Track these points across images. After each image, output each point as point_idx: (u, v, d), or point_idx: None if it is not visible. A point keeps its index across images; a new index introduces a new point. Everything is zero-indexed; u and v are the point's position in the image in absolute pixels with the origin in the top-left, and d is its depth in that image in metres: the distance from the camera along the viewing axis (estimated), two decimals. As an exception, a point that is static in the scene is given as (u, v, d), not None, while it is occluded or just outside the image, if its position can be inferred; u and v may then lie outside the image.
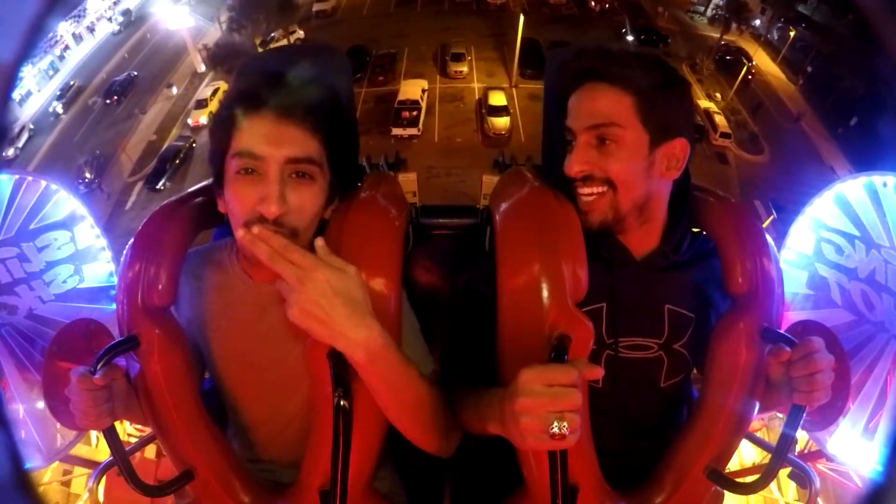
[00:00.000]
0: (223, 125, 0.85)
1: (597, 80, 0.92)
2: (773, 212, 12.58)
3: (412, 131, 15.02)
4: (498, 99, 15.69)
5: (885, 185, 1.76)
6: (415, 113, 15.29)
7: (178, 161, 14.73)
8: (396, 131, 14.88)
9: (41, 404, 1.75)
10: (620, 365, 0.98)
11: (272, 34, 18.49)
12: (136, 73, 17.96)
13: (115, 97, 17.21)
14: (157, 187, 14.15)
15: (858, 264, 1.80)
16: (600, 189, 0.92)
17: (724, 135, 15.62)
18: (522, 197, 0.99)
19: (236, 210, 0.84)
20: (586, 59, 0.95)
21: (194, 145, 15.17)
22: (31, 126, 16.14)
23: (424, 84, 16.52)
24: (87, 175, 14.73)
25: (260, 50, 16.23)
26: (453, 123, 15.64)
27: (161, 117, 16.70)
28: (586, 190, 0.92)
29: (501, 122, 15.02)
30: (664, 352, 1.00)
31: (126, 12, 19.84)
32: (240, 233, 0.78)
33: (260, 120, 0.82)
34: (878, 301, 1.76)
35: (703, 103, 16.67)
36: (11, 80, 0.45)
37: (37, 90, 17.15)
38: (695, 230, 1.04)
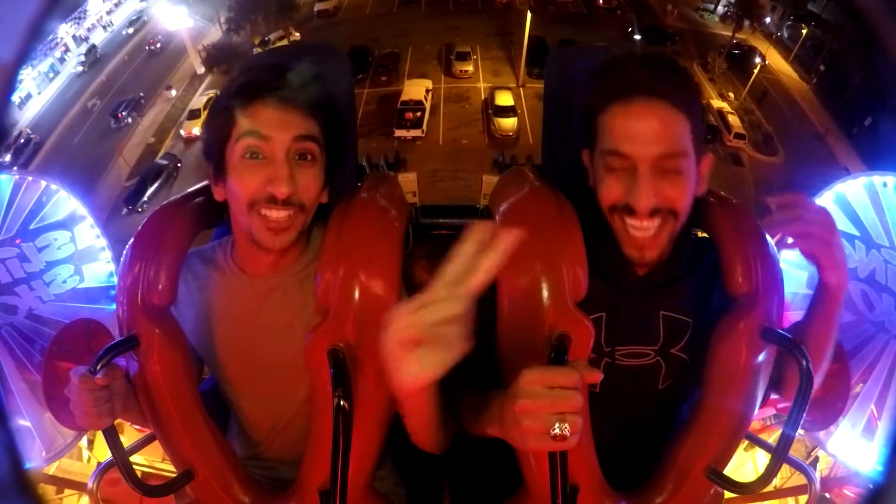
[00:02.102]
0: (225, 113, 0.87)
1: (650, 97, 0.82)
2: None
3: (416, 133, 14.48)
4: (505, 99, 15.18)
5: (885, 185, 1.76)
6: (418, 114, 14.76)
7: (159, 182, 13.77)
8: (399, 133, 14.37)
9: (41, 404, 1.75)
10: (617, 372, 0.98)
11: (270, 36, 18.17)
12: (141, 95, 17.41)
13: (121, 113, 16.69)
14: (138, 209, 13.07)
15: (858, 264, 1.79)
16: (663, 221, 0.86)
17: (739, 135, 15.12)
18: (522, 197, 0.99)
19: (241, 192, 0.86)
20: (630, 69, 0.83)
21: (179, 166, 14.47)
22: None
23: (429, 84, 15.95)
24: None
25: (257, 51, 15.80)
26: (459, 124, 15.14)
27: (160, 120, 16.42)
28: (648, 223, 0.85)
29: (508, 122, 14.51)
30: (661, 357, 0.99)
31: (91, 49, 18.89)
32: None
33: (264, 106, 0.86)
34: (878, 301, 1.76)
35: (716, 103, 16.12)
36: (11, 79, 0.46)
37: (37, 93, 16.95)
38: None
